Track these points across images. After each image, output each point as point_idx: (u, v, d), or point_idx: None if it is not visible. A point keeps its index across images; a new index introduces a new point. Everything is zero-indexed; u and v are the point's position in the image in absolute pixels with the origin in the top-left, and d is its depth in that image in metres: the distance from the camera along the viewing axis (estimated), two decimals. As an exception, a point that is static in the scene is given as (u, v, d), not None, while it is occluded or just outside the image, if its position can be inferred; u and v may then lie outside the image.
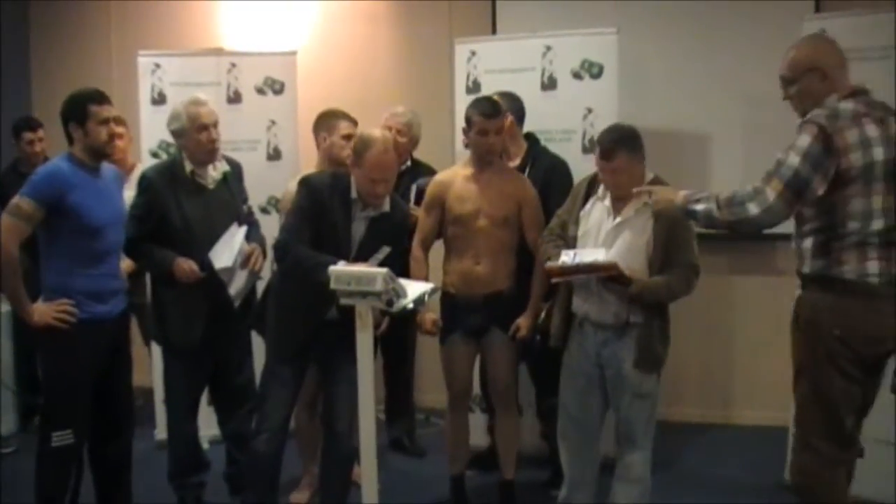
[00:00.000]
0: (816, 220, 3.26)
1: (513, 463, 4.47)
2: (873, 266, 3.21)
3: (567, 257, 3.74)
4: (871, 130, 3.21)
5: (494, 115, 4.21)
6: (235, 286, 4.22)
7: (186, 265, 4.11)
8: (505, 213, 4.23)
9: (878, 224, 3.20)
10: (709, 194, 3.35)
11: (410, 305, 3.46)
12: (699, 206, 3.34)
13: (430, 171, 5.07)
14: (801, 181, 3.14)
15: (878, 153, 3.19)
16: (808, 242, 3.29)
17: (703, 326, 5.57)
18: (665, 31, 5.52)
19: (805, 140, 3.16)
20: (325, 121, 4.56)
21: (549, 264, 3.79)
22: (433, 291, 3.63)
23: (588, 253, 3.74)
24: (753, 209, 3.18)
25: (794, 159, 3.15)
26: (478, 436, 5.03)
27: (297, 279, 3.83)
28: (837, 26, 4.52)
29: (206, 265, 4.14)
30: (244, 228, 4.30)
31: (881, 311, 3.23)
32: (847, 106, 3.24)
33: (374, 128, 4.03)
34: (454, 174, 4.36)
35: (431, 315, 4.30)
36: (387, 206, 3.89)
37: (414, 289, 3.49)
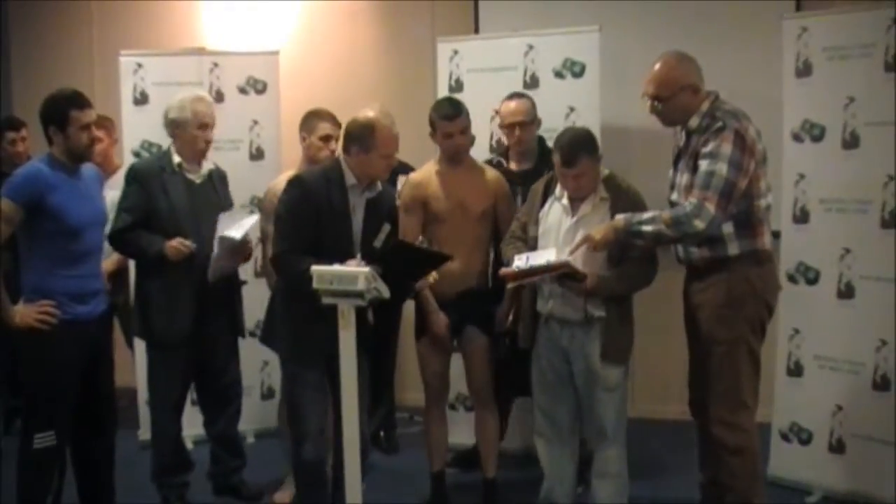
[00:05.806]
0: (735, 206, 3.59)
1: (494, 461, 4.44)
2: (769, 235, 3.73)
3: (520, 261, 3.78)
4: None
5: (456, 116, 4.22)
6: (219, 263, 4.21)
7: (177, 242, 4.12)
8: (483, 207, 4.25)
9: (769, 199, 3.70)
10: (651, 216, 3.63)
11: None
12: (646, 228, 3.62)
13: (412, 170, 5.07)
14: (731, 187, 3.53)
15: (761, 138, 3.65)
16: (728, 227, 3.63)
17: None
18: (647, 30, 5.53)
19: (727, 148, 3.53)
20: (308, 121, 4.52)
21: (503, 270, 3.85)
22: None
23: (540, 255, 3.79)
24: (700, 224, 3.52)
25: (723, 169, 3.52)
26: (462, 434, 5.03)
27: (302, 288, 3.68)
28: (817, 24, 4.55)
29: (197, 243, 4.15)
30: (256, 216, 4.35)
31: (776, 274, 3.87)
32: (729, 106, 3.67)
33: (364, 110, 3.92)
34: (428, 173, 4.34)
35: (444, 317, 4.24)
36: (380, 186, 3.90)
37: None
